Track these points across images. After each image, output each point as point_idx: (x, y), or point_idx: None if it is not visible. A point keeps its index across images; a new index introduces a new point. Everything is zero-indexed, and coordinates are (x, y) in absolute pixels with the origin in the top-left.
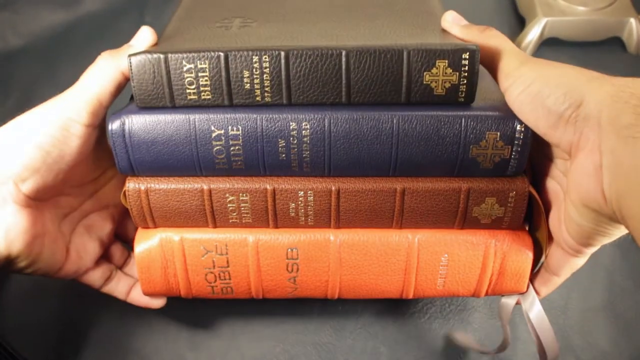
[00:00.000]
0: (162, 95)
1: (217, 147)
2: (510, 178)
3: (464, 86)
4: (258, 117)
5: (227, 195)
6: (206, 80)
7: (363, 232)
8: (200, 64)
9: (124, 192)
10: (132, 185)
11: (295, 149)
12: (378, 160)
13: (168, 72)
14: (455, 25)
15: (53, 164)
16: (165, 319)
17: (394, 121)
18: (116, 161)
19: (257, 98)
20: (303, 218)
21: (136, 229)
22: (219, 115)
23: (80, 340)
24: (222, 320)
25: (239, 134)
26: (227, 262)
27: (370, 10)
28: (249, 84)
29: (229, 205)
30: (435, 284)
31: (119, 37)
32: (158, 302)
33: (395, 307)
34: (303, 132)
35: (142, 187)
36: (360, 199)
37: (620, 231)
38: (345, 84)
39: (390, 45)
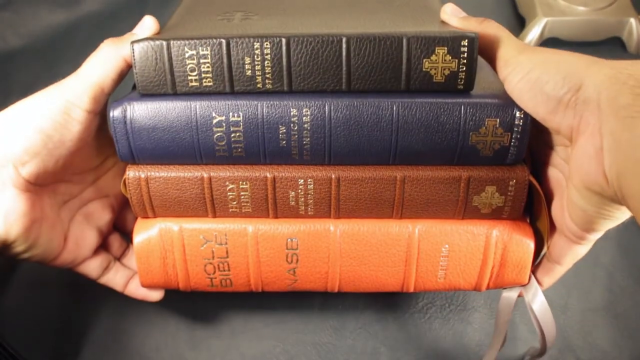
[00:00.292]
0: (163, 82)
1: (218, 134)
2: (510, 166)
3: (463, 73)
4: (259, 104)
5: (227, 183)
6: (208, 67)
7: (363, 222)
8: (202, 50)
9: (124, 181)
10: (132, 173)
11: (296, 136)
12: (378, 148)
13: (170, 59)
14: (453, 17)
15: (54, 149)
16: (165, 318)
17: (394, 108)
18: (117, 148)
19: (258, 85)
20: (303, 207)
21: (135, 220)
22: (220, 102)
23: (80, 339)
24: (222, 319)
25: (240, 120)
26: (227, 252)
27: (370, 6)
28: (250, 71)
29: (228, 193)
30: (436, 276)
31: None
32: (156, 295)
33: (395, 307)
34: (303, 118)
35: (142, 175)
36: (361, 187)
37: (624, 214)
38: (346, 70)
39: (390, 32)
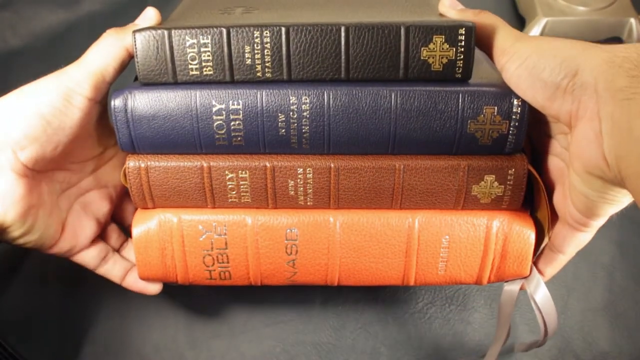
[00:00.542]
0: (164, 71)
1: (218, 122)
2: (509, 156)
3: (461, 62)
4: (259, 92)
5: (226, 172)
6: (208, 56)
7: (363, 213)
8: (203, 39)
9: (124, 171)
10: (132, 163)
11: (295, 124)
12: (377, 136)
13: (171, 48)
14: (451, 9)
15: (53, 135)
16: (165, 318)
17: (393, 96)
18: (117, 137)
19: (258, 74)
20: (302, 197)
21: (134, 214)
22: (220, 90)
23: (80, 339)
24: (222, 319)
25: (240, 108)
26: (226, 243)
27: (369, 1)
28: (250, 59)
29: (228, 183)
30: (437, 268)
31: None
32: (154, 288)
33: (395, 307)
34: (303, 106)
35: (142, 165)
36: (360, 176)
37: (627, 197)
38: (345, 59)
39: (388, 21)
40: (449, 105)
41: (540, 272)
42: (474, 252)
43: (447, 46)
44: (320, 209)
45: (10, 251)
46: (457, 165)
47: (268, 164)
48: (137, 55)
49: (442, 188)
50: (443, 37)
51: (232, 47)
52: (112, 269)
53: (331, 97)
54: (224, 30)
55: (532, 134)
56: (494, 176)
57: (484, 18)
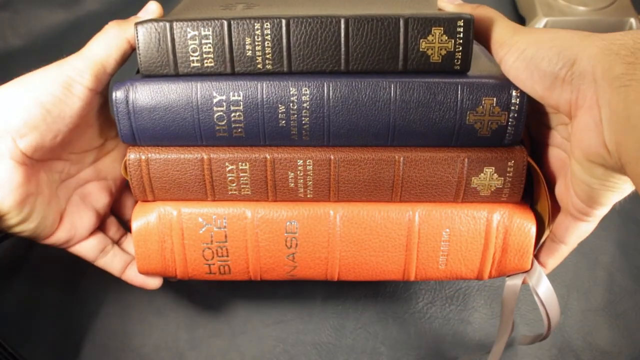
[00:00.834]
0: (166, 62)
1: (219, 113)
2: (509, 147)
3: (460, 54)
4: (259, 83)
5: (226, 164)
6: (209, 48)
7: (363, 206)
8: (204, 31)
9: (125, 163)
10: (132, 155)
11: (295, 115)
12: (376, 127)
13: (173, 40)
14: (449, 3)
15: (52, 123)
16: (165, 318)
17: (392, 87)
18: (118, 129)
19: (259, 66)
20: (302, 189)
21: (133, 206)
22: (220, 82)
23: (80, 339)
24: (222, 319)
25: (240, 100)
26: (225, 236)
27: None
28: (250, 51)
29: (228, 175)
30: (438, 262)
31: None
32: (154, 282)
33: (395, 307)
34: (303, 97)
35: (143, 157)
36: (360, 168)
37: (628, 184)
38: (344, 51)
39: (388, 13)
40: (448, 96)
41: (542, 264)
42: (474, 245)
43: (446, 38)
44: (320, 202)
45: (10, 250)
46: (456, 157)
47: (268, 156)
48: (138, 47)
49: (442, 180)
50: (442, 28)
51: (233, 39)
52: (112, 262)
53: (331, 88)
54: (225, 22)
55: (531, 125)
56: (493, 168)
57: (482, 11)
